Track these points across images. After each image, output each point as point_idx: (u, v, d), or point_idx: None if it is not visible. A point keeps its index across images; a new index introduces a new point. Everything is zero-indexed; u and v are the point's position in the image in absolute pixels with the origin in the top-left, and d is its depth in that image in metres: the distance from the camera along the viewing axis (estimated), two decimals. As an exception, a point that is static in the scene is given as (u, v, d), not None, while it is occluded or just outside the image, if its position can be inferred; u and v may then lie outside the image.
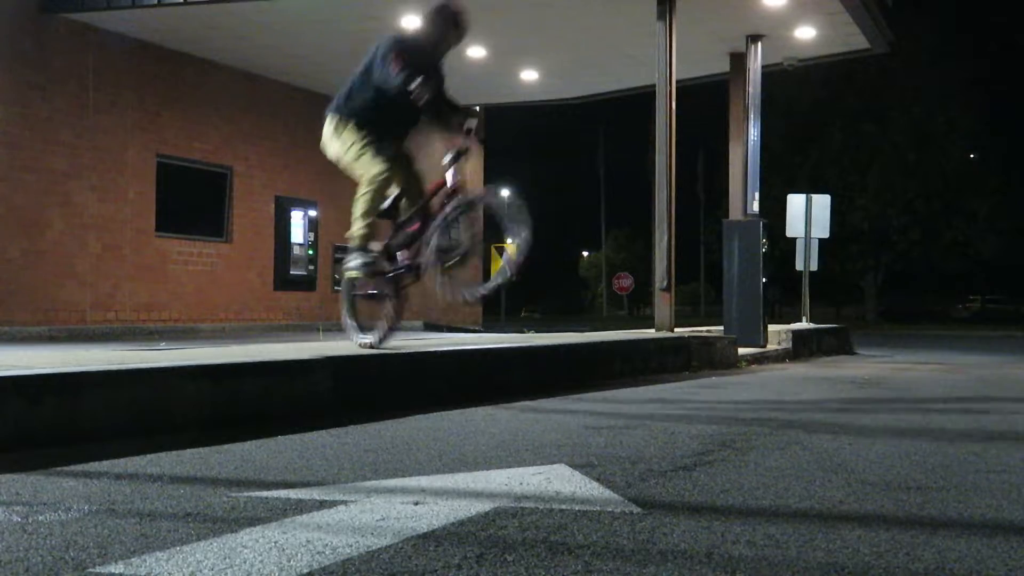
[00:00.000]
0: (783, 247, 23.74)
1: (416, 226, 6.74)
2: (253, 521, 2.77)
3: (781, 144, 42.54)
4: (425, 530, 2.66)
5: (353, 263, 6.73)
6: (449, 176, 6.60)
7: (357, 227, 6.68)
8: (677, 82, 12.34)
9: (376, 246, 6.70)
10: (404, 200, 6.86)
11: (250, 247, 18.27)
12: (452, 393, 6.25)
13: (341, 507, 2.95)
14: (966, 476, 3.66)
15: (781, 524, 2.81)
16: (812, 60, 16.43)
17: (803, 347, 13.22)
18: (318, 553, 2.41)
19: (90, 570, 2.28)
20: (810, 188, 32.17)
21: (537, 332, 14.85)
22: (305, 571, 2.27)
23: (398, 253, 6.85)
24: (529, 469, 3.66)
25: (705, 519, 2.86)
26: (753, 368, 10.60)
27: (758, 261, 12.33)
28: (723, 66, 15.46)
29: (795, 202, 16.54)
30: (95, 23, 15.15)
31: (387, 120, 6.70)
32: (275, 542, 2.52)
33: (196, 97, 17.20)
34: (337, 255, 20.13)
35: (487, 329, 21.73)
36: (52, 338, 14.01)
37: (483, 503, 3.03)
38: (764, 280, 12.42)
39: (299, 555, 2.39)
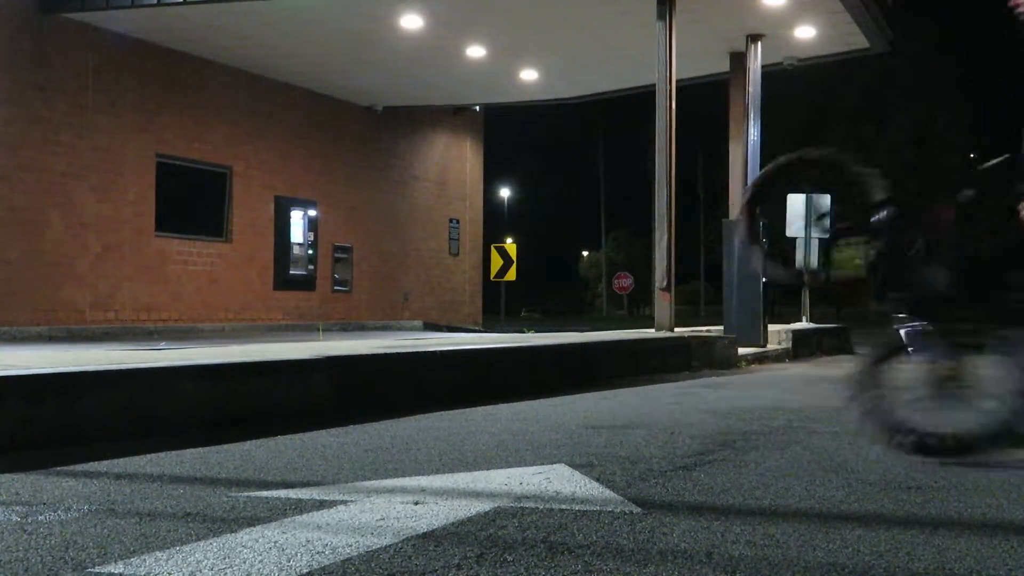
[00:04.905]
0: (783, 246, 23.71)
1: None
2: (253, 521, 2.77)
3: (781, 144, 42.54)
4: (425, 530, 2.66)
5: None
6: None
7: None
8: (677, 82, 12.34)
9: None
10: None
11: (250, 247, 18.27)
12: (452, 393, 6.24)
13: (341, 507, 2.95)
14: (966, 475, 3.65)
15: (781, 524, 2.80)
16: (812, 59, 16.43)
17: (803, 347, 13.22)
18: (318, 553, 2.41)
19: (90, 570, 2.28)
20: (810, 188, 32.11)
21: (537, 332, 14.85)
22: (305, 571, 2.27)
23: None
24: (529, 469, 3.66)
25: (705, 519, 2.86)
26: (753, 368, 10.60)
27: (758, 261, 12.31)
28: (723, 66, 15.45)
29: (795, 202, 16.53)
30: (95, 23, 15.14)
31: None
32: (275, 542, 2.51)
33: (196, 97, 17.20)
34: (336, 255, 20.15)
35: (487, 329, 21.73)
36: (52, 338, 14.00)
37: (483, 503, 3.03)
38: (764, 280, 12.41)
39: (299, 555, 2.39)
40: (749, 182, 13.68)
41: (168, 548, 2.46)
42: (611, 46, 16.21)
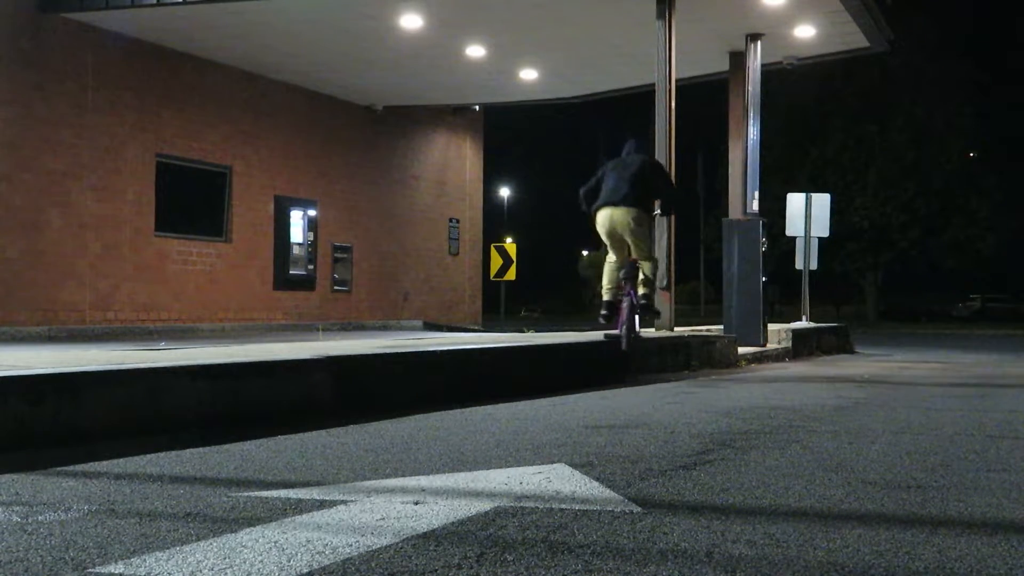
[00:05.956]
0: (783, 246, 23.72)
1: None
2: (253, 521, 2.77)
3: (781, 143, 42.54)
4: (425, 530, 2.66)
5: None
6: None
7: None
8: (677, 81, 12.34)
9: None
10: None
11: (249, 247, 18.27)
12: (452, 393, 6.24)
13: (341, 507, 2.95)
14: (966, 475, 3.66)
15: (781, 523, 2.81)
16: (812, 59, 16.43)
17: (803, 346, 13.22)
18: (318, 553, 2.41)
19: (90, 570, 2.28)
20: (810, 187, 32.14)
21: (537, 332, 14.85)
22: (305, 571, 2.27)
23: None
24: (529, 468, 3.66)
25: (705, 518, 2.86)
26: (753, 367, 10.60)
27: (758, 260, 12.33)
28: (723, 65, 15.45)
29: (795, 201, 16.53)
30: (94, 23, 15.14)
31: None
32: (275, 542, 2.52)
33: (195, 96, 17.19)
34: (336, 254, 20.15)
35: (487, 329, 21.73)
36: (52, 338, 14.00)
37: (483, 503, 3.03)
38: (764, 279, 12.42)
39: (299, 555, 2.39)
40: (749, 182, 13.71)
41: (168, 548, 2.46)
42: (611, 46, 16.21)
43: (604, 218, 9.43)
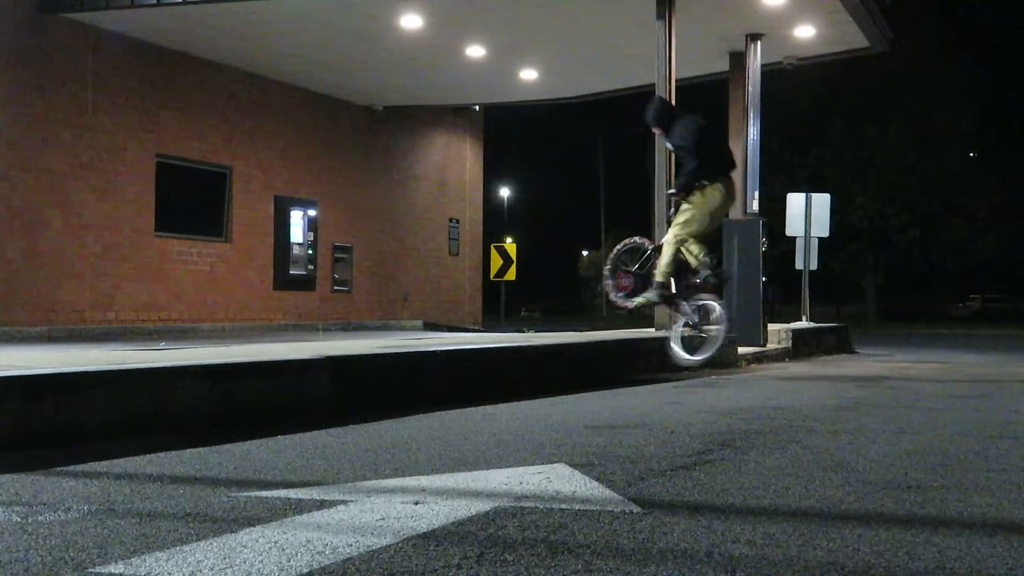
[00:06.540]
0: (783, 246, 23.72)
1: None
2: (253, 521, 2.77)
3: (781, 143, 42.52)
4: (425, 530, 2.66)
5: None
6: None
7: None
8: (677, 81, 12.34)
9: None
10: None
11: (249, 247, 18.26)
12: (452, 393, 6.25)
13: (341, 507, 2.95)
14: (966, 475, 3.66)
15: (781, 523, 2.81)
16: (812, 59, 16.43)
17: (803, 346, 13.22)
18: (318, 553, 2.41)
19: (90, 570, 2.28)
20: (810, 187, 32.13)
21: (537, 332, 14.85)
22: (305, 571, 2.27)
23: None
24: (529, 468, 3.66)
25: (705, 518, 2.86)
26: (753, 367, 10.60)
27: (758, 260, 12.33)
28: (723, 65, 15.45)
29: (795, 201, 16.53)
30: (95, 23, 15.13)
31: None
32: (275, 542, 2.52)
33: (195, 97, 17.19)
34: (336, 254, 20.15)
35: (487, 329, 21.73)
36: (51, 338, 14.00)
37: (483, 503, 3.03)
38: (764, 279, 12.41)
39: (299, 555, 2.39)
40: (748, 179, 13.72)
41: (168, 548, 2.46)
42: (611, 46, 16.21)
43: (723, 193, 8.29)
